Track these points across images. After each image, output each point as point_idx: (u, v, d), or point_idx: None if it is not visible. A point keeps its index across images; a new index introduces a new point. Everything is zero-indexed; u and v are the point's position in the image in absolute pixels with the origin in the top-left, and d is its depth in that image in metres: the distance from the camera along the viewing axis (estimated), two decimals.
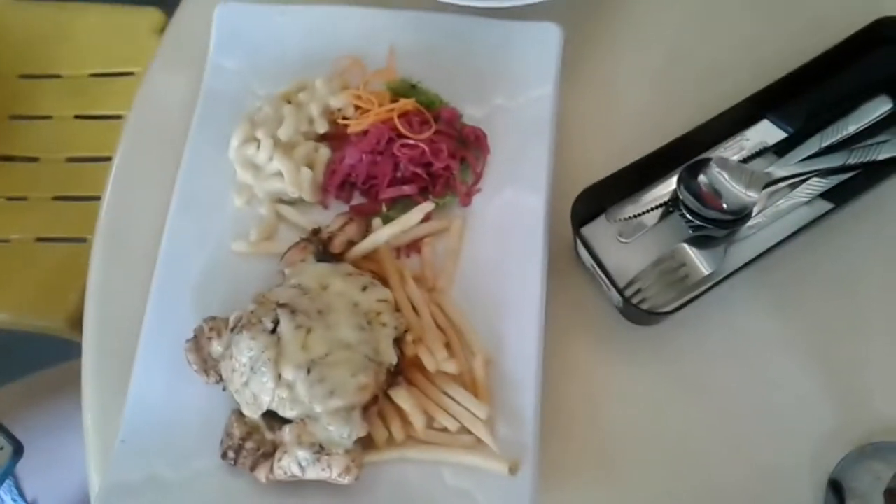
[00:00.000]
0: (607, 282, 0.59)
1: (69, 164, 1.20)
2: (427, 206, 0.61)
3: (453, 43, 0.69)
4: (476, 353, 0.59)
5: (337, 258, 0.62)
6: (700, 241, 0.62)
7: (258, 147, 0.65)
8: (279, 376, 0.55)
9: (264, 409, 0.56)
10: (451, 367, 0.58)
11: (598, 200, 0.63)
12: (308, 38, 0.70)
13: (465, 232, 0.64)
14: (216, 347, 0.59)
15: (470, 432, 0.57)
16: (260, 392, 0.55)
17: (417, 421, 0.56)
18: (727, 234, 0.62)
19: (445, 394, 0.58)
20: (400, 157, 0.64)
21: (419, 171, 0.64)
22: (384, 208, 0.64)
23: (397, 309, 0.60)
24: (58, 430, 0.85)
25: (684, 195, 0.61)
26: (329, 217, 0.65)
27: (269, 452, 0.56)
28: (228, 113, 0.67)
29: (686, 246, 0.62)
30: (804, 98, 0.66)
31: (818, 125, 0.65)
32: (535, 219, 0.62)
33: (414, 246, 0.64)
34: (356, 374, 0.55)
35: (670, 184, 0.64)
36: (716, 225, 0.61)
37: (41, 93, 1.27)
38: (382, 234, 0.62)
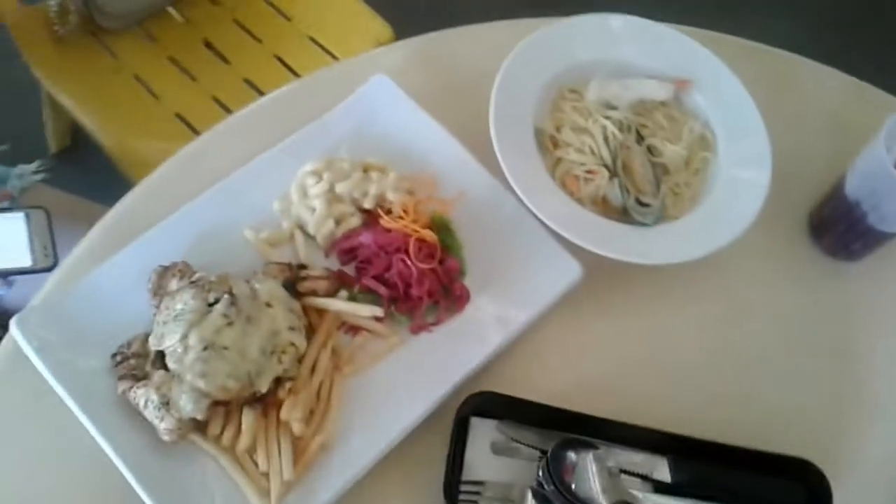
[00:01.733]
0: (449, 467, 0.69)
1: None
2: (377, 311, 0.74)
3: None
4: (322, 434, 0.70)
5: (296, 294, 0.75)
6: (541, 499, 0.69)
7: (317, 182, 0.80)
8: (186, 335, 0.68)
9: (161, 348, 0.69)
10: (297, 426, 0.69)
11: (495, 407, 0.73)
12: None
13: (398, 350, 0.75)
14: (173, 284, 0.73)
15: (267, 480, 0.68)
16: (168, 335, 0.69)
17: (244, 440, 0.68)
18: None
19: (278, 442, 0.69)
20: (394, 265, 0.76)
21: (399, 284, 0.76)
22: (356, 289, 0.77)
23: (300, 360, 0.72)
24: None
25: (550, 455, 0.69)
26: (319, 263, 0.78)
27: (139, 377, 0.69)
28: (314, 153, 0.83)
29: (530, 493, 0.70)
30: (710, 469, 0.72)
31: (700, 496, 0.71)
32: (446, 381, 0.73)
33: (356, 330, 0.76)
34: (230, 377, 0.67)
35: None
36: (553, 499, 0.68)
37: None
38: (337, 304, 0.75)
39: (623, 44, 0.93)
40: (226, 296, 0.70)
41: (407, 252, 0.77)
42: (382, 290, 0.77)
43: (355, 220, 0.80)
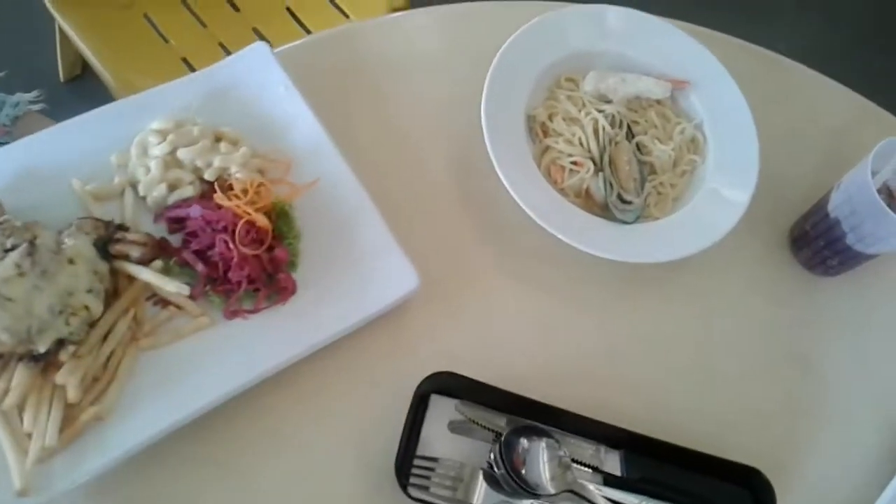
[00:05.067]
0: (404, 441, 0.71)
1: None
2: (183, 289, 0.73)
3: None
4: (93, 410, 0.69)
5: (108, 256, 0.74)
6: (491, 480, 0.71)
7: (160, 142, 0.78)
8: None
9: None
10: (72, 392, 0.69)
11: (456, 387, 0.74)
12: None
13: (206, 332, 0.75)
14: None
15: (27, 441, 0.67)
16: None
17: (11, 396, 0.68)
18: (509, 494, 0.70)
19: (50, 405, 0.69)
20: (217, 244, 0.75)
21: (220, 265, 0.76)
22: (173, 260, 0.76)
23: (93, 324, 0.71)
24: None
25: (504, 440, 0.71)
26: (147, 228, 0.77)
27: None
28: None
29: (481, 473, 0.72)
30: (661, 467, 0.74)
31: (649, 493, 0.73)
32: (247, 372, 0.73)
33: (165, 303, 0.75)
34: (6, 330, 0.66)
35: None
36: (502, 482, 0.70)
37: None
38: (145, 273, 0.74)
39: (624, 37, 0.94)
40: (25, 244, 0.69)
41: (233, 233, 0.76)
42: (200, 266, 0.76)
43: (190, 190, 0.79)
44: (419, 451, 0.72)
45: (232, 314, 0.77)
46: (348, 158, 0.84)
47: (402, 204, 0.86)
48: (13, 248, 0.69)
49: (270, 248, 0.78)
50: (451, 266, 0.85)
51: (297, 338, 0.76)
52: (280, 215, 0.80)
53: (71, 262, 0.71)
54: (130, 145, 0.80)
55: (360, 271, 0.81)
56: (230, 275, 0.76)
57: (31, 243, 0.70)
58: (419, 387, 0.73)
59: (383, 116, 0.92)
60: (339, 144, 0.84)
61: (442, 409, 0.75)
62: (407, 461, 0.72)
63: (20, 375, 0.68)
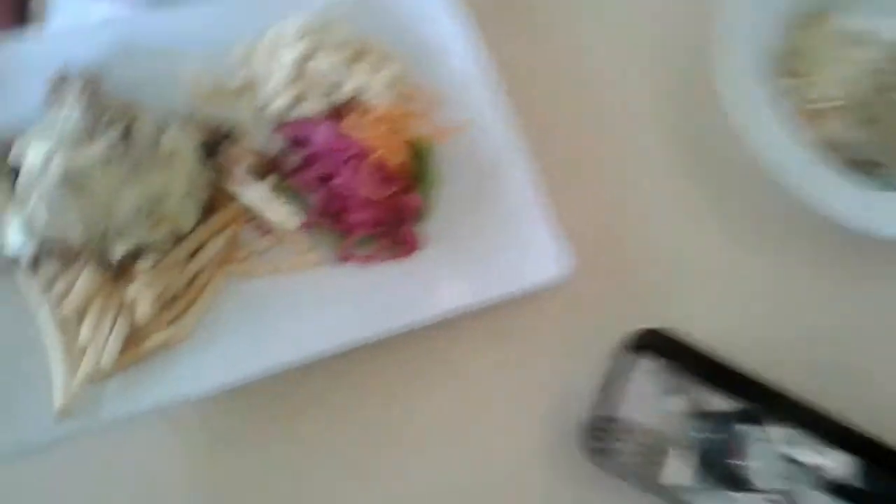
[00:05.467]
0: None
1: None
2: (296, 218, 0.61)
3: None
4: (164, 335, 0.58)
5: (211, 164, 0.63)
6: (705, 463, 0.59)
7: (295, 43, 0.66)
8: (51, 154, 0.57)
9: (19, 165, 0.58)
10: (143, 308, 0.58)
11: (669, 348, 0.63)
12: None
13: (310, 271, 0.63)
14: (72, 94, 0.61)
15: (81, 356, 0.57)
16: (34, 146, 0.58)
17: (71, 300, 0.58)
18: (710, 482, 0.59)
19: (115, 319, 0.58)
20: (340, 176, 0.63)
21: (339, 199, 0.63)
22: (286, 182, 0.64)
23: (181, 238, 0.60)
24: None
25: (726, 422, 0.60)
26: (261, 139, 0.66)
27: None
28: None
29: (679, 451, 0.60)
30: None
31: None
32: (351, 331, 0.61)
33: (266, 229, 0.64)
34: (79, 224, 0.56)
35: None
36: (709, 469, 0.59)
37: None
38: (253, 191, 0.62)
39: None
40: (120, 126, 0.58)
41: (360, 166, 0.63)
42: (314, 197, 0.64)
43: (319, 106, 0.66)
44: (612, 414, 0.61)
45: (344, 257, 0.64)
46: (509, 100, 0.70)
47: (574, 159, 0.73)
48: (126, 132, 0.59)
49: (400, 193, 0.65)
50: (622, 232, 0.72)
51: (414, 303, 0.63)
52: (419, 155, 0.67)
53: (168, 160, 0.60)
54: (260, 39, 0.68)
55: (503, 240, 0.66)
56: (349, 214, 0.64)
57: (128, 128, 0.59)
58: (627, 342, 0.62)
59: (563, 50, 0.78)
60: (500, 82, 0.70)
61: (646, 372, 0.62)
62: (597, 425, 0.60)
63: (86, 279, 0.58)
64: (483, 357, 0.67)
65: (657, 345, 0.63)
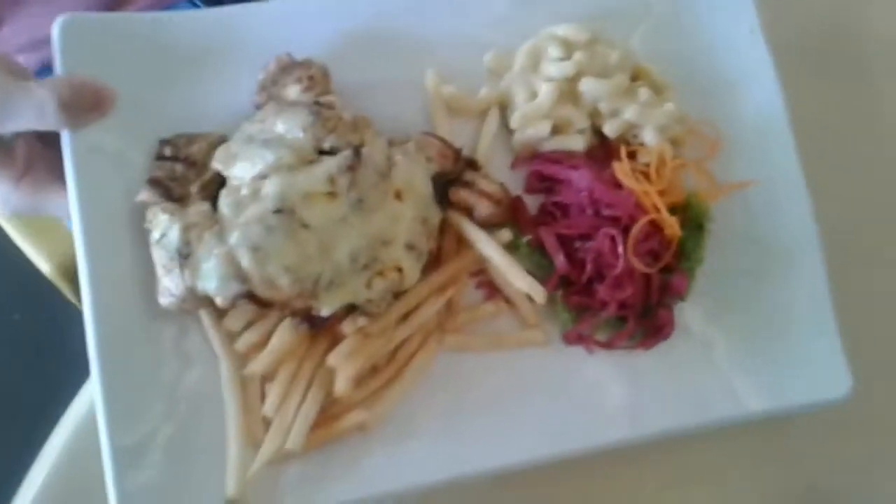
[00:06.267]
0: None
1: None
2: (538, 293, 0.48)
3: None
4: (360, 415, 0.47)
5: (445, 201, 0.50)
6: None
7: (561, 59, 0.52)
8: (264, 176, 0.45)
9: (225, 172, 0.47)
10: (342, 382, 0.47)
11: None
12: None
13: (534, 351, 0.51)
14: (291, 91, 0.50)
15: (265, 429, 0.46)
16: (243, 159, 0.46)
17: (263, 360, 0.47)
18: None
19: (307, 388, 0.47)
20: (598, 238, 0.50)
21: (589, 268, 0.50)
22: (526, 237, 0.51)
23: (397, 296, 0.48)
24: None
25: None
26: (497, 171, 0.53)
27: (175, 195, 0.47)
28: None
29: None
30: None
31: None
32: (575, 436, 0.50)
33: (493, 292, 0.51)
34: (289, 270, 0.44)
35: None
36: None
37: None
38: (491, 246, 0.49)
39: None
40: (349, 151, 0.46)
41: (626, 231, 0.49)
42: (561, 260, 0.51)
43: (580, 141, 0.52)
44: None
45: (575, 339, 0.52)
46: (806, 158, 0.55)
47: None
48: (331, 153, 0.46)
49: (666, 269, 0.51)
50: None
51: (666, 403, 0.51)
52: (693, 222, 0.53)
53: (398, 196, 0.48)
54: (516, 48, 0.54)
55: (767, 337, 0.54)
56: (600, 288, 0.50)
57: (357, 152, 0.46)
58: None
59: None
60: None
61: None
62: None
63: (282, 335, 0.46)
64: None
65: None
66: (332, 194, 0.45)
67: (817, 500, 0.56)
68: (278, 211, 0.44)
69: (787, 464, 0.57)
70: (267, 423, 0.47)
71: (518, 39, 0.54)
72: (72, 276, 0.78)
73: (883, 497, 0.58)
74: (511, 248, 0.51)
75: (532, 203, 0.54)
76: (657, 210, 0.50)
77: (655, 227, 0.51)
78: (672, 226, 0.50)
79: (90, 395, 0.52)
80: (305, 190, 0.45)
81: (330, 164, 0.45)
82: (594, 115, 0.54)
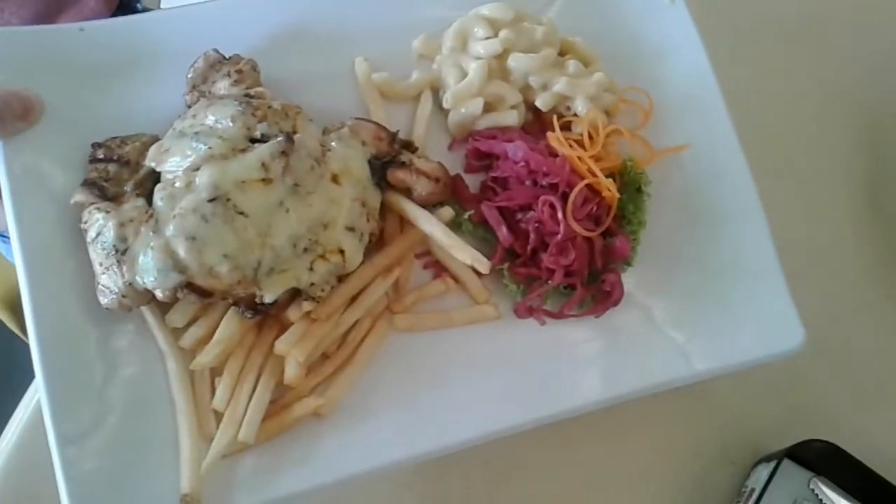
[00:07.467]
0: None
1: None
2: (482, 264, 0.48)
3: None
4: (313, 402, 0.47)
5: (383, 182, 0.50)
6: None
7: (488, 38, 0.53)
8: (197, 167, 0.45)
9: (158, 168, 0.47)
10: (292, 370, 0.47)
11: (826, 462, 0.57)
12: None
13: (485, 326, 0.51)
14: (221, 86, 0.50)
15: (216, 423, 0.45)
16: (175, 152, 0.46)
17: (209, 353, 0.46)
18: None
19: (257, 379, 0.47)
20: (538, 207, 0.50)
21: (533, 237, 0.51)
22: (469, 213, 0.51)
23: (342, 279, 0.48)
24: None
25: None
26: (435, 153, 0.53)
27: (109, 195, 0.47)
28: None
29: None
30: None
31: None
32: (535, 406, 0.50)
33: (440, 271, 0.52)
34: (228, 258, 0.44)
35: None
36: None
37: None
38: (432, 223, 0.50)
39: None
40: (280, 137, 0.46)
41: (565, 198, 0.50)
42: (504, 233, 0.51)
43: (514, 116, 0.53)
44: None
45: (527, 311, 0.52)
46: (738, 122, 0.56)
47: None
48: (263, 140, 0.46)
49: (608, 233, 0.52)
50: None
51: (612, 372, 0.51)
52: (630, 186, 0.53)
53: (335, 179, 0.48)
54: (443, 30, 0.55)
55: (716, 296, 0.54)
56: (544, 257, 0.51)
57: (289, 137, 0.46)
58: (783, 452, 0.56)
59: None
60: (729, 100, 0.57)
61: (791, 480, 0.57)
62: None
63: (228, 326, 0.46)
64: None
65: (812, 455, 0.57)
66: (266, 180, 0.45)
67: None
68: (212, 199, 0.44)
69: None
70: (219, 416, 0.46)
71: (443, 24, 0.55)
72: (15, 307, 0.77)
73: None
74: (454, 226, 0.51)
75: (472, 183, 0.54)
76: (593, 175, 0.51)
77: (594, 192, 0.52)
78: (609, 189, 0.51)
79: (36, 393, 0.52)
80: (239, 177, 0.45)
81: (262, 151, 0.46)
82: (526, 91, 0.55)
